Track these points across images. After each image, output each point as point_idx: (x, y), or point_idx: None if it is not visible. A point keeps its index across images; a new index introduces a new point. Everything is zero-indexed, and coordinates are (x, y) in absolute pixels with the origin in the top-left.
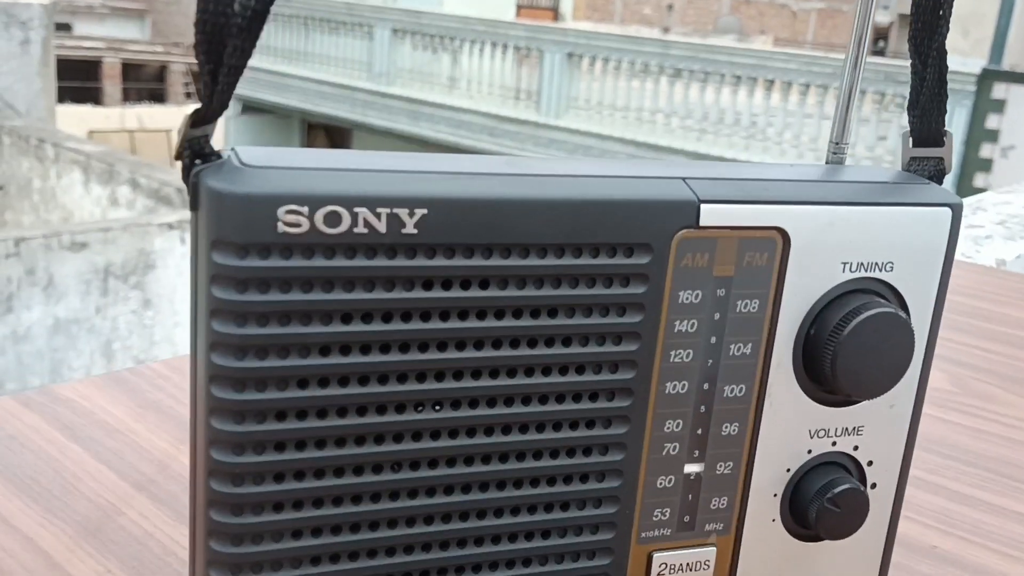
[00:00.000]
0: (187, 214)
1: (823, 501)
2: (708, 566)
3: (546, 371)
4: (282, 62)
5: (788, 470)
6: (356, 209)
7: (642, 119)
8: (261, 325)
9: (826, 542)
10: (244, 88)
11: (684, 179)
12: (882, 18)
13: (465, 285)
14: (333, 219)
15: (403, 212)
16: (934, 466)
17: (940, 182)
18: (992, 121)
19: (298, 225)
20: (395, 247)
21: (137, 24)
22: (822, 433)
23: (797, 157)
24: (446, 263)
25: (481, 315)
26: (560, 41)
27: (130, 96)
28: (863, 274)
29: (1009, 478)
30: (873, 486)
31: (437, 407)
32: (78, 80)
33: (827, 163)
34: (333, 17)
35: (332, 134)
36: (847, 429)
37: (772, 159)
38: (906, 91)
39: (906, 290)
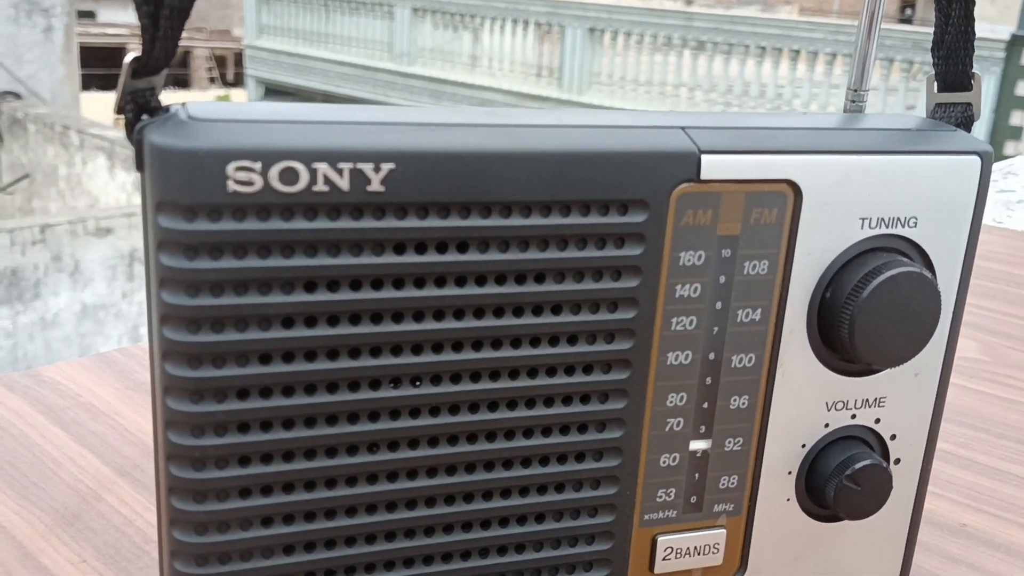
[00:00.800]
0: None
1: (842, 479)
2: (718, 550)
3: (534, 342)
4: (303, 44)
5: (804, 446)
6: (315, 164)
7: (665, 93)
8: (215, 295)
9: (846, 523)
10: (266, 71)
11: (684, 128)
12: None
13: (441, 248)
14: (289, 176)
15: (368, 167)
16: (963, 439)
17: (969, 129)
18: (1023, 88)
19: (250, 183)
20: (360, 207)
21: None
22: (840, 405)
23: None
24: (419, 224)
25: (460, 281)
26: (581, 16)
27: None
28: (884, 231)
29: None
30: (897, 461)
31: (417, 383)
32: (103, 67)
33: (845, 111)
34: None
35: None
36: (868, 400)
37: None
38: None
39: (932, 248)
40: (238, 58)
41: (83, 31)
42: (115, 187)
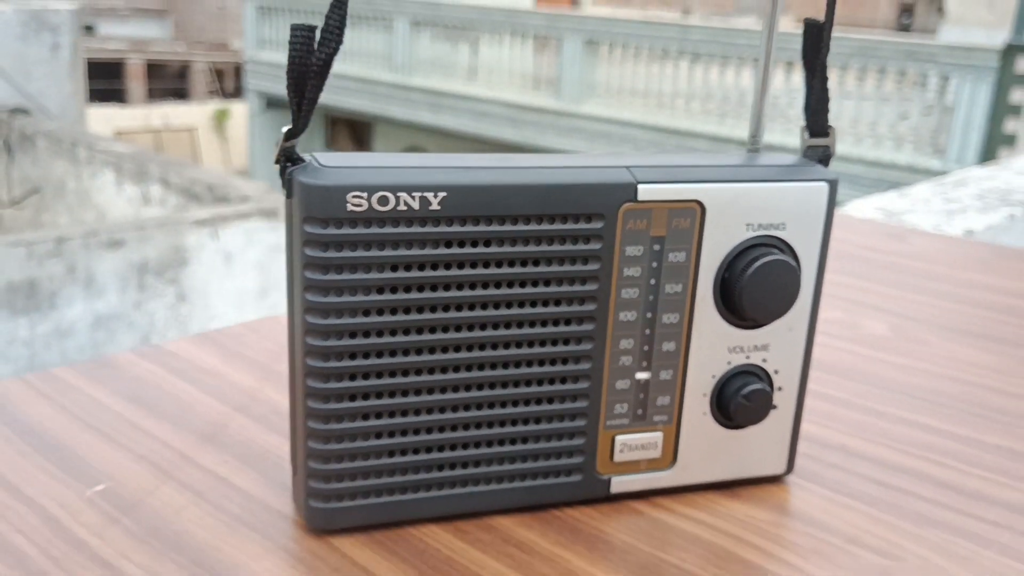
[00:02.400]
0: (217, 210)
1: (739, 397)
2: (657, 447)
3: (534, 303)
4: None
5: (713, 376)
6: (399, 193)
7: (663, 103)
8: (338, 273)
9: (744, 429)
10: (267, 83)
11: (627, 167)
12: None
13: (474, 244)
14: (383, 200)
15: (429, 195)
16: (860, 393)
17: (827, 164)
18: (1016, 96)
19: (360, 205)
20: (424, 219)
21: (158, 23)
22: (738, 349)
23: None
24: (460, 229)
25: (486, 265)
26: (578, 28)
27: (154, 95)
28: (762, 232)
29: (917, 399)
30: (780, 388)
31: (466, 328)
32: (103, 81)
33: (749, 151)
34: (352, 11)
35: (355, 127)
36: (756, 346)
37: (794, 140)
38: (925, 68)
39: (796, 243)
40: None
41: (84, 46)
42: (122, 201)
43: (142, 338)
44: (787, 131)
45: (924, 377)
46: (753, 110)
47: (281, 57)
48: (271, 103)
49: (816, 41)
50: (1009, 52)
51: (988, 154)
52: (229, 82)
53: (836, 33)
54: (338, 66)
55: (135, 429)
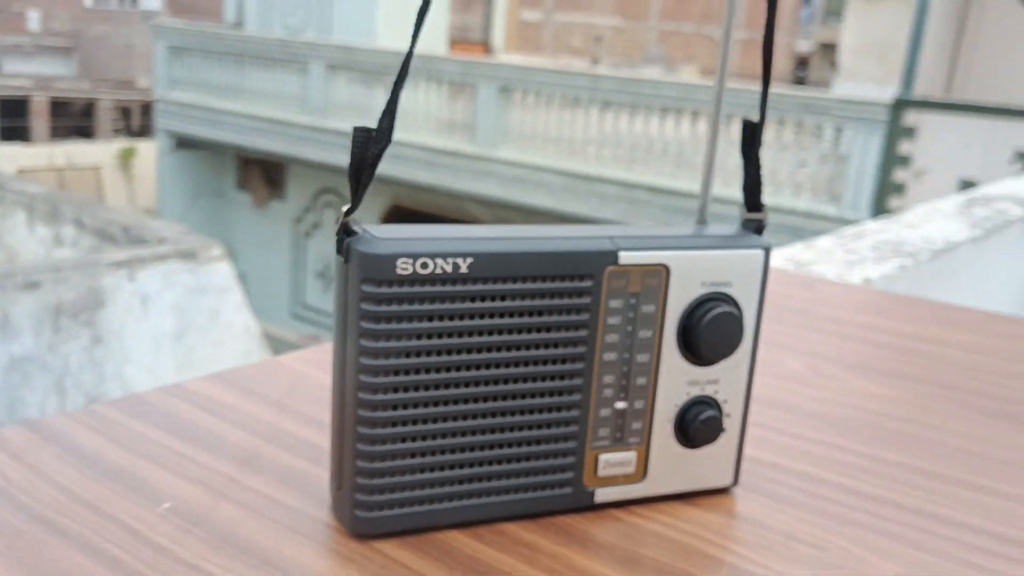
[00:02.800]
0: (134, 252)
1: (697, 422)
2: (631, 463)
3: (538, 347)
4: (216, 97)
5: (676, 405)
6: (436, 259)
7: (574, 149)
8: (387, 323)
9: (701, 449)
10: (178, 123)
11: (610, 238)
12: (803, 47)
13: (493, 299)
14: (424, 265)
15: (460, 260)
16: (787, 421)
17: (761, 234)
18: (904, 147)
19: (406, 269)
20: (455, 279)
21: (64, 61)
22: (695, 383)
23: (722, 185)
24: (483, 288)
25: (502, 315)
26: (493, 75)
27: (58, 133)
28: (713, 289)
29: (831, 424)
30: (728, 415)
31: (491, 367)
32: (7, 119)
33: (698, 223)
34: (267, 54)
35: (268, 168)
36: (709, 380)
37: (699, 187)
38: (821, 120)
39: (739, 297)
40: (144, 108)
41: None
42: (34, 241)
43: (55, 381)
44: (692, 178)
45: (835, 407)
46: (701, 189)
47: (193, 97)
48: (181, 143)
49: (751, 138)
50: (897, 106)
51: (880, 202)
52: (135, 120)
53: (738, 86)
54: (252, 107)
55: (181, 457)
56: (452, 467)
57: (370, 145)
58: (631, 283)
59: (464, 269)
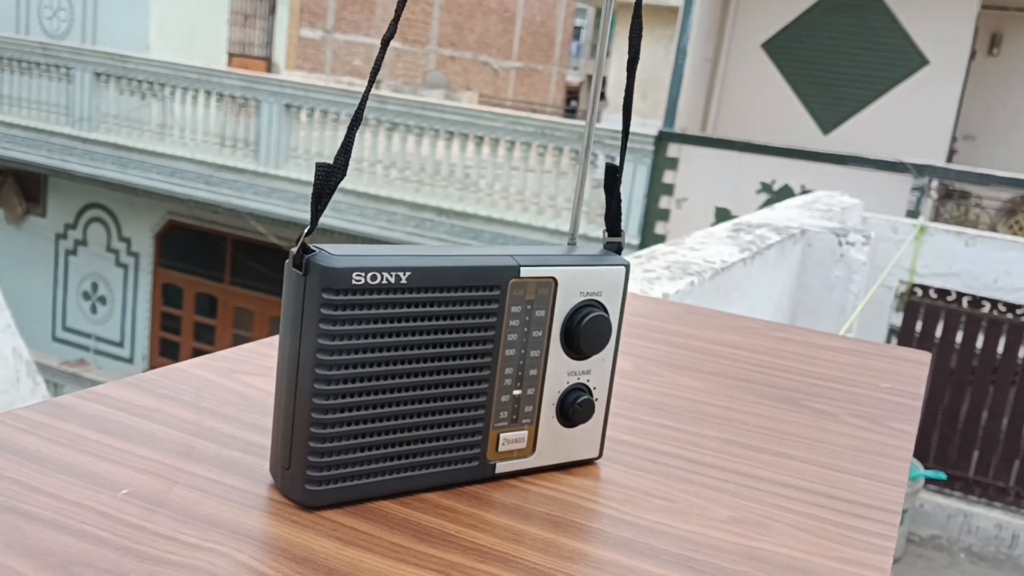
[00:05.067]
0: None
1: (575, 405)
2: (524, 440)
3: (456, 344)
4: None
5: (558, 391)
6: (383, 272)
7: (362, 170)
8: (342, 325)
9: (577, 427)
10: None
11: (512, 256)
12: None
13: (425, 305)
14: (373, 277)
15: (400, 272)
16: (627, 408)
17: (620, 253)
18: (668, 176)
19: (360, 280)
20: (397, 289)
21: None
22: (573, 373)
23: (506, 208)
24: (418, 296)
25: (431, 319)
26: (278, 92)
27: None
28: (589, 297)
29: (662, 410)
30: (596, 399)
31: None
32: None
33: (568, 244)
34: (26, 57)
35: (23, 180)
36: (584, 371)
37: (484, 211)
38: (595, 149)
39: (607, 303)
40: None
41: None
42: None
43: None
44: (477, 201)
45: (662, 397)
46: (572, 217)
47: None
48: None
49: (612, 178)
50: (661, 139)
51: (647, 226)
52: None
53: (517, 114)
54: (7, 115)
55: (121, 452)
56: (386, 446)
57: (329, 178)
58: (528, 292)
59: (404, 280)
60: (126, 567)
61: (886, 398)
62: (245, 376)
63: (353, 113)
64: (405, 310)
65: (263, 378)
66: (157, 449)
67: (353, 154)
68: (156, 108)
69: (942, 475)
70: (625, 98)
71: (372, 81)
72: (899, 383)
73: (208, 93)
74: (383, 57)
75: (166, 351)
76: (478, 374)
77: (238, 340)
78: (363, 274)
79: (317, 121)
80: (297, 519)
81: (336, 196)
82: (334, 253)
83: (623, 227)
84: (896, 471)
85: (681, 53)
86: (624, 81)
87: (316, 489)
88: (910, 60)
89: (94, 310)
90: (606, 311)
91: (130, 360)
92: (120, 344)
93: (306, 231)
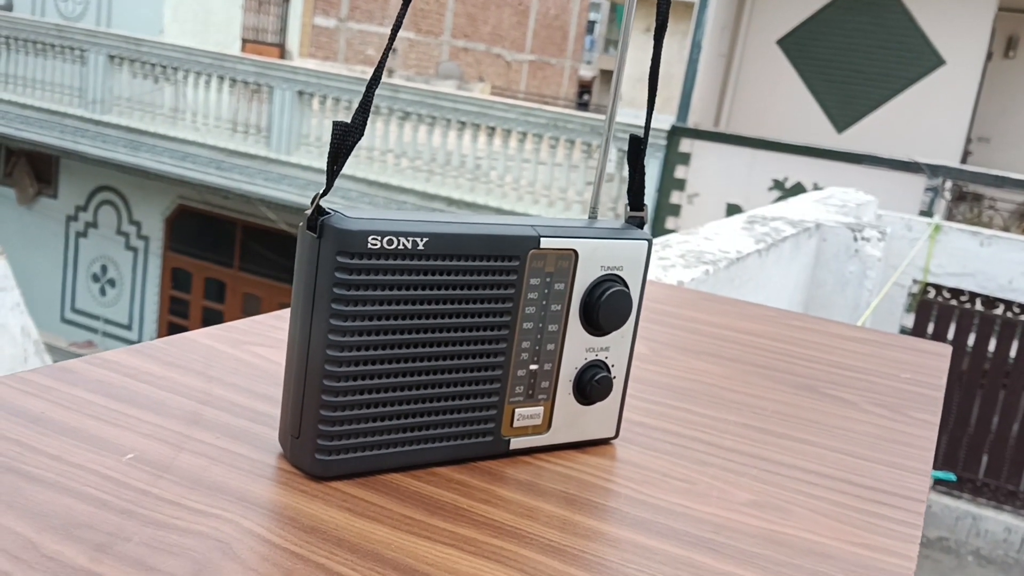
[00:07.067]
0: None
1: (592, 382)
2: (539, 417)
3: (474, 315)
4: None
5: (575, 368)
6: (399, 237)
7: (373, 158)
8: (357, 289)
9: (594, 405)
10: None
11: (533, 226)
12: (586, 73)
13: (442, 273)
14: (390, 241)
15: (418, 238)
16: (643, 391)
17: (642, 227)
18: (680, 172)
19: (376, 244)
20: (413, 255)
21: None
22: (591, 350)
23: (516, 200)
24: (435, 263)
25: (448, 287)
26: (290, 79)
27: None
28: (609, 271)
29: (679, 393)
30: (615, 377)
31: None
32: None
33: (589, 218)
34: (41, 39)
35: (35, 161)
36: (602, 348)
37: (494, 202)
38: (611, 141)
39: (628, 278)
40: None
41: None
42: None
43: None
44: (488, 192)
45: (679, 380)
46: (594, 190)
47: None
48: None
49: (636, 150)
50: (674, 134)
51: (658, 222)
52: None
53: (529, 105)
54: (21, 96)
55: (127, 417)
56: (398, 417)
57: (346, 137)
58: (547, 264)
59: (421, 247)
60: (129, 531)
61: (907, 388)
62: (255, 347)
63: (371, 73)
64: (421, 277)
65: (273, 350)
66: (164, 415)
67: (364, 142)
68: (169, 92)
69: (952, 476)
70: (652, 69)
71: (393, 38)
72: (920, 374)
73: (221, 78)
74: (404, 15)
75: (173, 335)
76: (495, 347)
77: None
78: (379, 238)
79: (329, 108)
80: (306, 488)
81: (346, 183)
82: (350, 216)
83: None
84: (920, 460)
85: (696, 48)
86: (639, 76)
87: (326, 459)
88: (926, 60)
89: (103, 292)
90: (627, 286)
91: (137, 343)
92: (128, 327)
93: (321, 192)
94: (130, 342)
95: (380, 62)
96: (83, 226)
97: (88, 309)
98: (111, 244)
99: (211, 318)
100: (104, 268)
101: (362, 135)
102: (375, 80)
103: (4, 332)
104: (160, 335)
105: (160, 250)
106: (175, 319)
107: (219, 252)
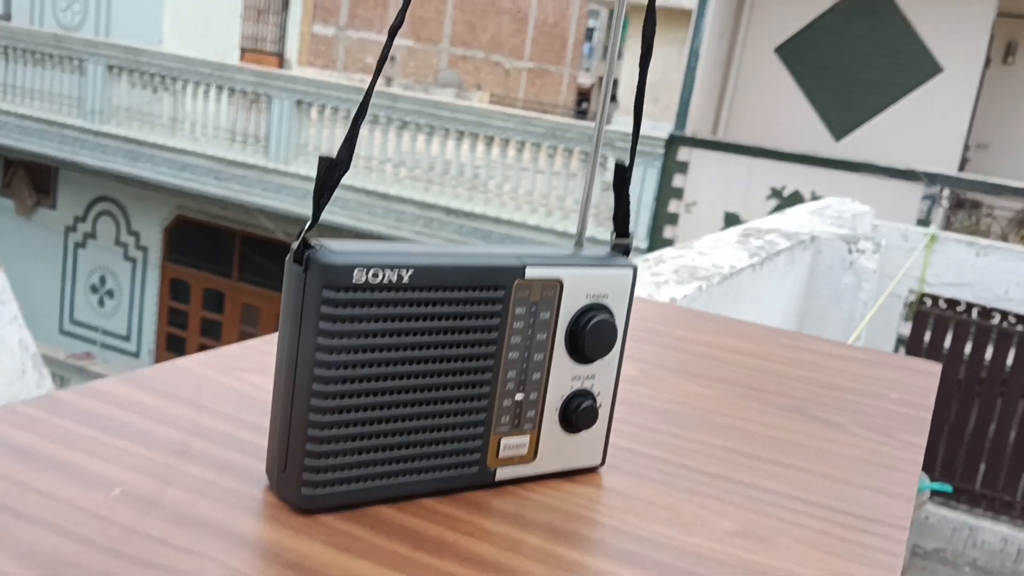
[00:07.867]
0: None
1: (578, 411)
2: (525, 446)
3: (459, 345)
4: None
5: (561, 396)
6: (384, 270)
7: (372, 167)
8: (343, 323)
9: (580, 433)
10: None
11: (518, 256)
12: (584, 80)
13: (428, 304)
14: (375, 274)
15: (402, 271)
16: (630, 415)
17: (628, 255)
18: (678, 180)
19: (361, 277)
20: (399, 287)
21: None
22: (576, 378)
23: (515, 209)
24: (420, 295)
25: (434, 318)
26: (289, 88)
27: None
28: (594, 300)
29: (667, 417)
30: (600, 405)
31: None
32: None
33: (575, 246)
34: (39, 49)
35: (34, 172)
36: (588, 376)
37: (493, 211)
38: (605, 152)
39: (613, 307)
40: None
41: None
42: None
43: None
44: (486, 201)
45: (666, 403)
46: (580, 216)
47: None
48: None
49: (622, 178)
50: (672, 142)
51: (656, 230)
52: None
53: (528, 114)
54: (19, 106)
55: (115, 450)
56: (384, 449)
57: (332, 171)
58: (532, 294)
59: (406, 279)
60: (114, 570)
61: (895, 409)
62: (247, 374)
63: (358, 105)
64: (407, 309)
65: (265, 376)
66: (152, 448)
67: (363, 151)
68: (168, 102)
69: (948, 487)
70: (636, 96)
71: (377, 74)
72: (909, 394)
73: (220, 88)
74: (390, 48)
75: (172, 346)
76: (480, 376)
77: (244, 336)
78: (364, 271)
79: (328, 118)
80: (292, 522)
81: (345, 193)
82: (335, 249)
83: (631, 230)
84: (904, 485)
85: (693, 56)
86: (636, 83)
87: (312, 493)
88: (924, 67)
89: (102, 303)
90: (612, 315)
91: (136, 354)
92: (127, 338)
93: (307, 226)
94: (129, 353)
95: (368, 89)
96: (82, 237)
97: (87, 320)
98: (110, 255)
99: (210, 329)
100: (103, 279)
101: (348, 168)
102: (360, 113)
103: (2, 346)
104: (159, 346)
105: (159, 261)
106: (174, 330)
107: (218, 262)
